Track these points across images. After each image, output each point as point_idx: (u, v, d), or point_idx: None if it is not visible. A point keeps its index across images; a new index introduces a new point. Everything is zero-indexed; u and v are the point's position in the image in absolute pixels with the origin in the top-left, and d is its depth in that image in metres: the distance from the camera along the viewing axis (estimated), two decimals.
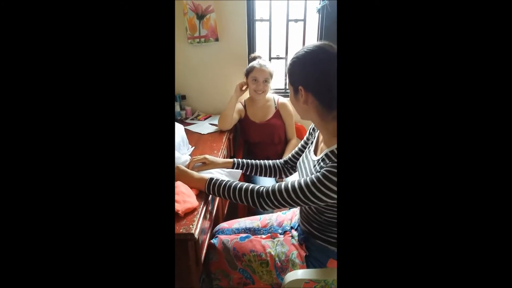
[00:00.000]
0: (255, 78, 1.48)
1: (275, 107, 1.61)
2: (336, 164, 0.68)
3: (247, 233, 0.99)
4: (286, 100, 1.63)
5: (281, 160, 1.07)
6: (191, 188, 0.89)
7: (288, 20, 1.75)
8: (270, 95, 1.63)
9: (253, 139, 1.65)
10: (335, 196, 0.69)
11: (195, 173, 0.93)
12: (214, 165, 1.01)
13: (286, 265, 0.86)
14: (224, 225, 1.04)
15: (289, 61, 0.77)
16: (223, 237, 0.96)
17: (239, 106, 1.64)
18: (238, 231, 1.00)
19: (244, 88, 1.52)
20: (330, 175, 0.68)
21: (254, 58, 1.54)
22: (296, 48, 1.79)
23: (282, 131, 1.65)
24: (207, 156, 1.03)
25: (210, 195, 0.92)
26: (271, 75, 1.51)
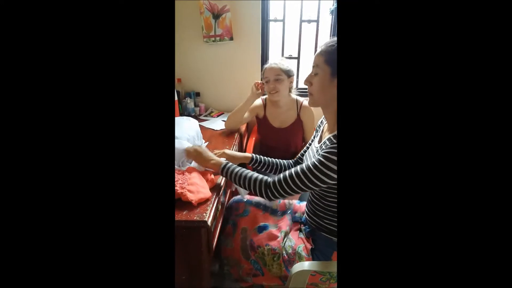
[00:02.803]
0: (267, 78, 1.36)
1: (297, 113, 1.47)
2: (335, 145, 0.72)
3: (267, 211, 1.04)
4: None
5: (293, 160, 1.12)
6: (206, 167, 0.96)
7: (301, 21, 1.78)
8: (294, 97, 1.48)
9: (268, 143, 1.56)
10: (335, 176, 0.73)
11: (213, 156, 0.96)
12: (233, 159, 1.05)
13: (293, 258, 0.90)
14: (246, 195, 1.10)
15: (327, 48, 0.76)
16: (242, 222, 1.00)
17: (258, 102, 1.50)
18: (257, 205, 1.06)
19: (260, 87, 1.38)
20: (329, 155, 0.72)
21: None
22: (308, 48, 1.84)
23: (300, 140, 1.55)
24: (226, 150, 1.06)
25: (222, 188, 0.97)
26: (284, 72, 1.34)
